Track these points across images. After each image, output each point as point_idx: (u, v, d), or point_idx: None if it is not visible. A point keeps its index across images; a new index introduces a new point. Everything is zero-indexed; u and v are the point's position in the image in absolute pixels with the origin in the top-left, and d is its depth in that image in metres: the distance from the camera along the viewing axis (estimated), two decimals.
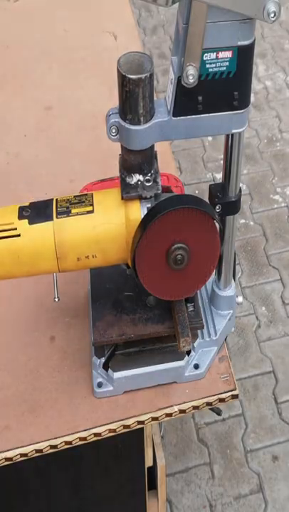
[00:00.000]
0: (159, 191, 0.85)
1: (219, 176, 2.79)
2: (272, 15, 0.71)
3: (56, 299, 0.92)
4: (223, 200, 0.92)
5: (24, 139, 1.39)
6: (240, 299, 1.05)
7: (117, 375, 0.99)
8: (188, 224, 0.83)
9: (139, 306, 0.97)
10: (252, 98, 2.53)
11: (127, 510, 1.32)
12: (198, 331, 1.02)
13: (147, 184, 0.84)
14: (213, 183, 1.23)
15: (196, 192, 2.76)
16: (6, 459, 0.97)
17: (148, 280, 0.88)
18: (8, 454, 0.97)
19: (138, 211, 0.85)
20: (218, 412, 1.24)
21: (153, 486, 1.34)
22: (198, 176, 2.83)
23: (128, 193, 0.84)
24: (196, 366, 1.02)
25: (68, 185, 1.29)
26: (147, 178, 0.84)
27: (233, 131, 0.84)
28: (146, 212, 0.84)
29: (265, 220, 2.65)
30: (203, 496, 1.95)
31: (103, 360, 0.99)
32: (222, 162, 0.91)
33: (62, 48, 1.62)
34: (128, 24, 1.67)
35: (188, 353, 1.01)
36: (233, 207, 0.93)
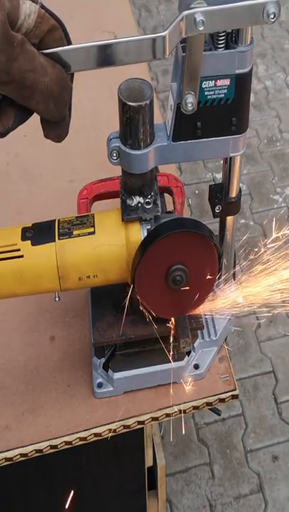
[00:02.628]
0: (159, 213, 0.87)
1: (219, 176, 2.79)
2: (271, 16, 0.71)
3: (56, 299, 0.92)
4: (223, 201, 0.92)
5: (24, 139, 1.38)
6: (240, 299, 1.05)
7: (117, 375, 0.99)
8: (186, 246, 0.86)
9: (139, 306, 0.97)
10: (252, 98, 2.53)
11: (127, 510, 1.32)
12: (198, 332, 1.02)
13: (147, 207, 0.86)
14: (213, 183, 1.23)
15: (196, 192, 2.77)
16: (6, 459, 0.97)
17: (148, 299, 0.90)
18: (8, 454, 0.97)
19: (138, 233, 0.87)
20: (218, 413, 1.24)
21: (153, 486, 1.34)
22: (198, 175, 2.83)
23: (129, 215, 0.86)
24: (196, 366, 1.02)
25: (68, 185, 1.29)
26: (147, 200, 0.86)
27: (231, 154, 0.86)
28: (146, 234, 0.86)
29: (265, 220, 2.65)
30: (203, 496, 1.95)
31: (103, 360, 1.00)
32: (222, 162, 0.91)
33: None
34: (128, 24, 1.67)
35: (189, 353, 1.01)
36: (233, 207, 0.93)
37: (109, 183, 1.09)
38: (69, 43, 0.71)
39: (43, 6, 0.68)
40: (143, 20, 3.67)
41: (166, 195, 1.07)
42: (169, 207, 1.06)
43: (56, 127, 0.75)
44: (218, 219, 0.96)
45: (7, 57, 0.64)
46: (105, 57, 0.72)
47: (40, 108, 0.71)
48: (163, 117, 0.90)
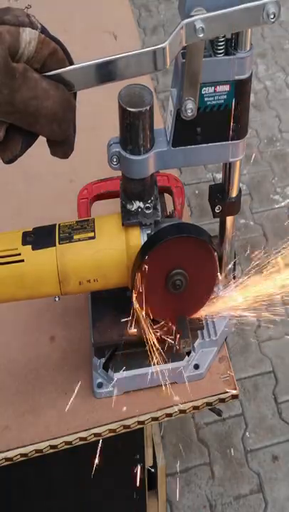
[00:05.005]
0: (159, 218, 0.87)
1: (219, 176, 2.79)
2: (271, 16, 0.71)
3: (56, 299, 0.92)
4: (223, 201, 0.92)
5: None
6: (240, 298, 1.05)
7: (118, 375, 0.99)
8: (186, 251, 0.86)
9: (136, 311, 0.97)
10: (252, 98, 2.53)
11: (127, 511, 1.32)
12: (199, 332, 1.02)
13: (147, 211, 0.86)
14: (213, 183, 1.23)
15: (196, 192, 2.77)
16: (6, 459, 0.97)
17: (147, 304, 0.90)
18: (8, 454, 0.97)
19: (138, 238, 0.87)
20: (219, 413, 1.24)
21: (153, 486, 1.34)
22: (198, 176, 2.83)
23: (129, 219, 0.87)
24: (196, 366, 1.02)
25: (68, 185, 1.29)
26: (147, 205, 0.86)
27: (231, 160, 0.87)
28: (146, 238, 0.87)
29: (265, 220, 2.65)
30: (203, 495, 1.95)
31: (103, 360, 1.00)
32: (222, 163, 0.91)
33: None
34: (128, 24, 1.67)
35: (189, 353, 1.01)
36: (233, 207, 0.93)
37: (109, 183, 1.09)
38: (71, 63, 0.72)
39: (43, 30, 0.69)
40: (143, 20, 3.67)
41: (166, 195, 1.07)
42: (169, 207, 1.06)
43: (62, 146, 0.76)
44: (218, 219, 0.96)
45: (10, 89, 0.66)
46: (107, 73, 0.73)
47: (44, 131, 0.72)
48: (163, 118, 0.91)
